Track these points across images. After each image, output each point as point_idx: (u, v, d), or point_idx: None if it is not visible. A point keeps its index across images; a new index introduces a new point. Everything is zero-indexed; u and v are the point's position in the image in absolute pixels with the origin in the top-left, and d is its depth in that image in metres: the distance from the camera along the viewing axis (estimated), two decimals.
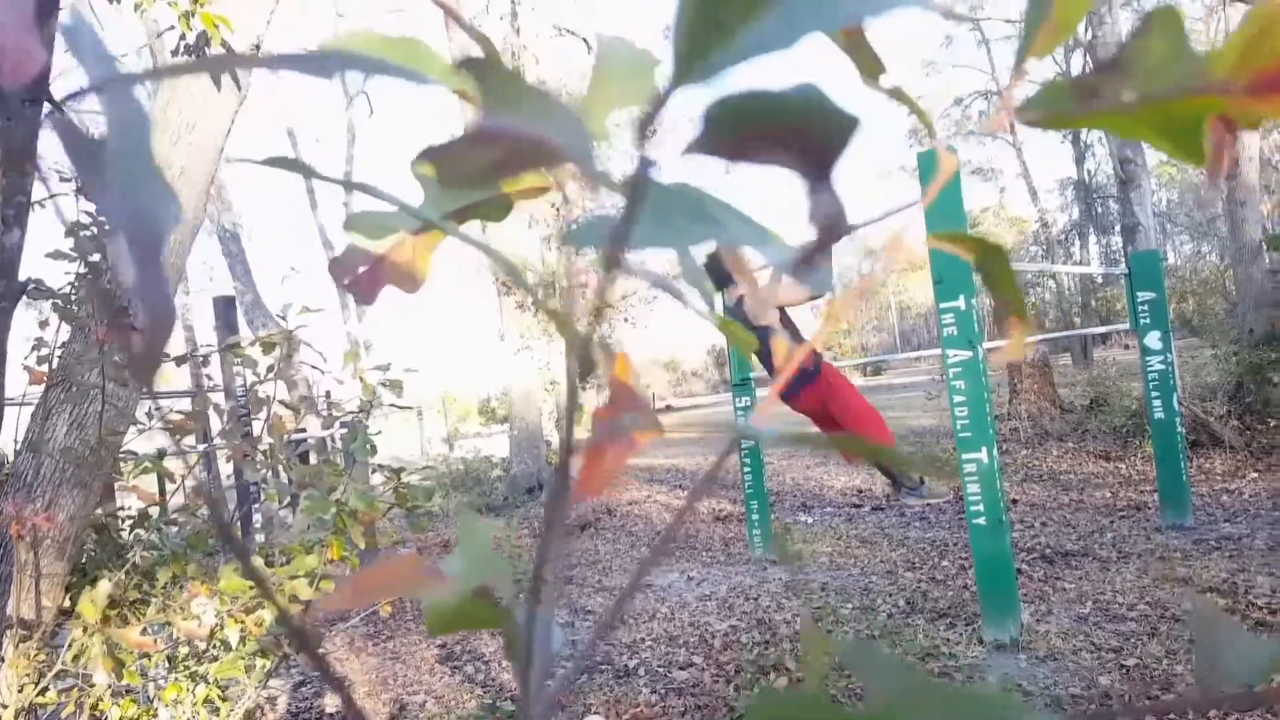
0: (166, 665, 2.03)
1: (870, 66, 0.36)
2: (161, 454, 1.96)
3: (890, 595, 3.87)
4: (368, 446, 1.76)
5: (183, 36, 2.47)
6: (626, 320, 9.96)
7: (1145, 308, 4.71)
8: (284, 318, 2.20)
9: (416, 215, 0.38)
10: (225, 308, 6.91)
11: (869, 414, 4.20)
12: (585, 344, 0.27)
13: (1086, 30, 8.44)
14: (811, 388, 4.23)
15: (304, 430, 7.50)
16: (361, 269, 0.43)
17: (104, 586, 1.69)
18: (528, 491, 9.70)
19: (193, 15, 2.18)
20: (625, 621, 3.99)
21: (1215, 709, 2.24)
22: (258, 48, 2.56)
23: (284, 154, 0.33)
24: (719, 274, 3.91)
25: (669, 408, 31.64)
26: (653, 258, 0.31)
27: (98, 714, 1.79)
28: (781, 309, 4.15)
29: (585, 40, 9.66)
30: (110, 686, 1.75)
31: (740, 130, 0.22)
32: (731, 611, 3.95)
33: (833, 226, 0.24)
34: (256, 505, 5.12)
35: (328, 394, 8.50)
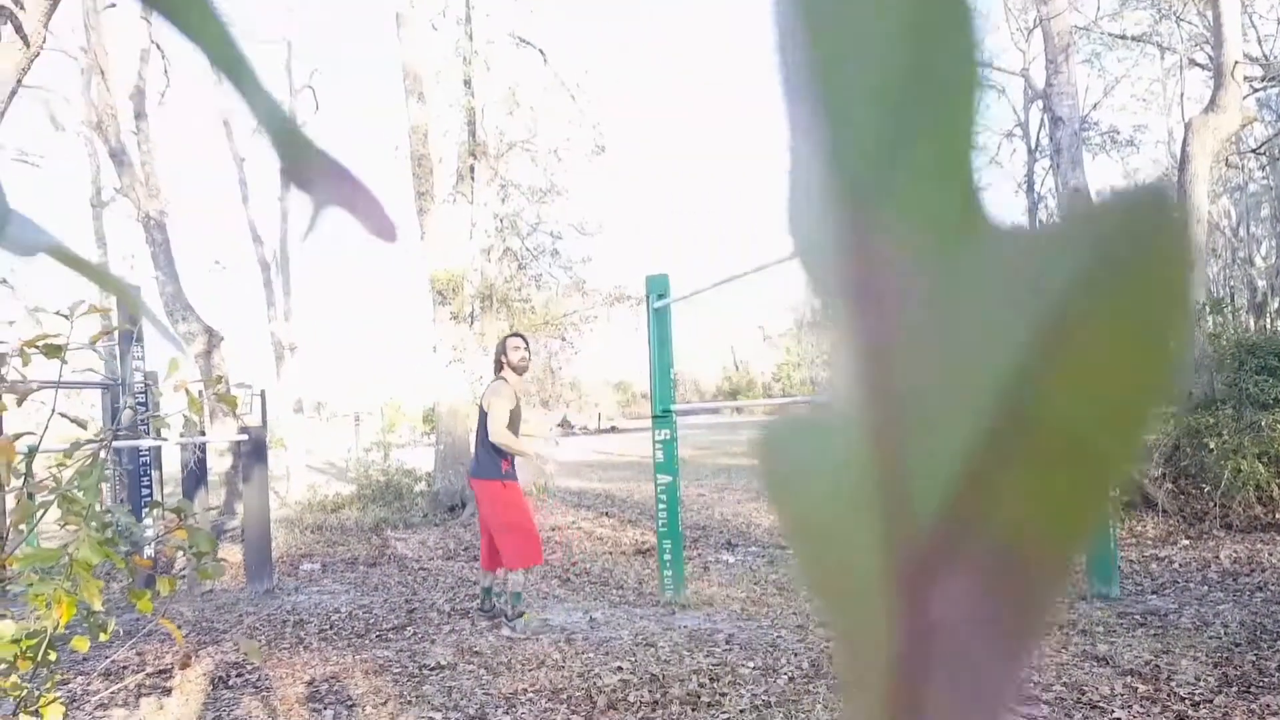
0: None
1: None
2: None
3: (796, 655, 3.60)
4: (99, 488, 1.42)
5: None
6: (564, 340, 9.63)
7: None
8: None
9: None
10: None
11: (520, 529, 4.36)
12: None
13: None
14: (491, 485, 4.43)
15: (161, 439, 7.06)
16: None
17: None
18: (449, 509, 9.30)
19: None
20: (510, 668, 3.67)
21: None
22: None
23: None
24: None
25: (614, 428, 31.25)
26: None
27: None
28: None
29: (541, 51, 9.40)
30: None
31: None
32: (627, 662, 3.65)
33: None
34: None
35: (263, 393, 8.01)
